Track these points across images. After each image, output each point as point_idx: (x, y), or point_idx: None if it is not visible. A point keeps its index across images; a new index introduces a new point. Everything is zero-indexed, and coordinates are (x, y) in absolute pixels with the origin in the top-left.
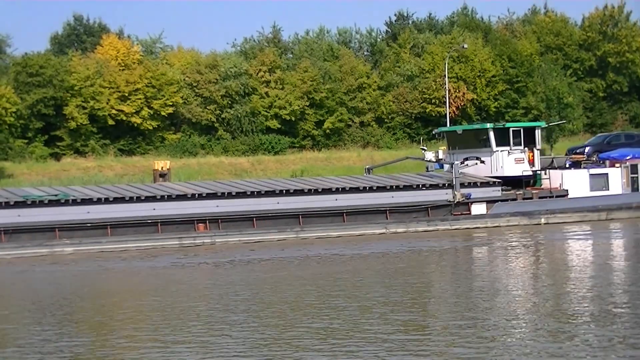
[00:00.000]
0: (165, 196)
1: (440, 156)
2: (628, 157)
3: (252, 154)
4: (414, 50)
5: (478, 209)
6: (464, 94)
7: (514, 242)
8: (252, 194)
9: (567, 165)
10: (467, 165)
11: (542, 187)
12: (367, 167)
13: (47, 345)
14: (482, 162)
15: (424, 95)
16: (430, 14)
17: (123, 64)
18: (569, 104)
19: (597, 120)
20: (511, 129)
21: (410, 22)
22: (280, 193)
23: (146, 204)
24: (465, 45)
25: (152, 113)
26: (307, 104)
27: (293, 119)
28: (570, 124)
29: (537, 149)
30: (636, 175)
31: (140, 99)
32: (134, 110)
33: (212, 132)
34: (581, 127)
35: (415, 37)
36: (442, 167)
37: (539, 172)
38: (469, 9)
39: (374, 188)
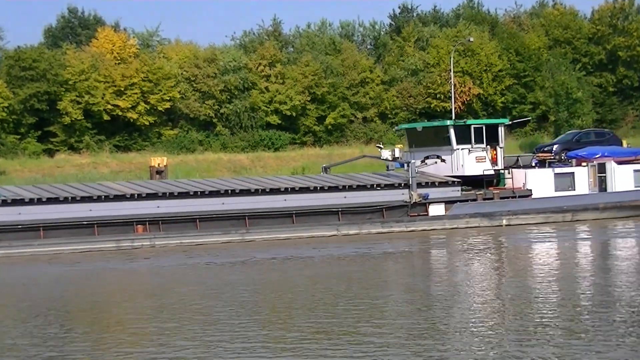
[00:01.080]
0: (103, 196)
1: (397, 154)
2: (597, 156)
3: (252, 150)
4: (419, 44)
5: (436, 209)
6: (470, 88)
7: (473, 244)
8: (195, 194)
9: (534, 164)
10: (426, 164)
11: (505, 187)
12: (323, 165)
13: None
14: (443, 160)
15: (429, 90)
16: (435, 7)
17: (119, 58)
18: (578, 99)
19: (607, 116)
20: (472, 127)
21: (414, 15)
22: (226, 193)
23: (82, 205)
24: (471, 39)
25: (148, 108)
26: (309, 99)
27: (294, 114)
28: (580, 120)
29: (500, 147)
30: (604, 175)
31: (136, 93)
32: (130, 105)
33: (211, 127)
34: (591, 123)
35: (419, 31)
36: (403, 166)
37: (501, 171)
38: (475, 2)
39: (325, 188)
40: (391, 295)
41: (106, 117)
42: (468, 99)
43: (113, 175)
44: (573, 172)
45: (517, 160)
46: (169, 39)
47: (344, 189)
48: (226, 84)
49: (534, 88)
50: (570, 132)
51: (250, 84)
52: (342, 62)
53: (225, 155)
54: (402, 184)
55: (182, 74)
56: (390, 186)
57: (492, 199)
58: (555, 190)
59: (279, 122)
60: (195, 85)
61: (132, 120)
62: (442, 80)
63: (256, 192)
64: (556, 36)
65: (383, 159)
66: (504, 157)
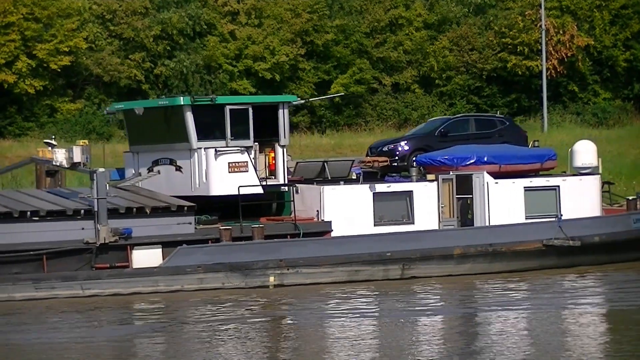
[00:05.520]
0: None
1: (77, 158)
2: (468, 163)
3: None
4: None
5: (145, 258)
6: (572, 37)
7: (210, 325)
8: None
9: (355, 176)
10: (140, 175)
11: (290, 216)
12: None
13: None
14: (178, 168)
15: (504, 40)
16: None
17: None
18: None
19: None
20: (228, 107)
21: None
22: None
23: None
24: None
25: (34, 66)
26: (302, 52)
27: (278, 78)
28: None
29: (282, 146)
30: (468, 196)
31: (13, 41)
32: (4, 62)
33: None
34: None
35: None
36: (123, 176)
37: (284, 188)
38: None
39: None
40: None
41: None
42: (570, 55)
43: None
44: (410, 192)
45: (324, 168)
46: None
47: None
48: (164, 27)
49: None
50: (435, 118)
51: (205, 27)
52: None
53: None
54: (82, 212)
55: (91, 9)
56: (60, 215)
57: (250, 238)
58: (376, 224)
59: (253, 90)
60: (113, 28)
61: (6, 86)
62: (526, 22)
63: None
64: None
65: (56, 165)
66: (296, 164)
